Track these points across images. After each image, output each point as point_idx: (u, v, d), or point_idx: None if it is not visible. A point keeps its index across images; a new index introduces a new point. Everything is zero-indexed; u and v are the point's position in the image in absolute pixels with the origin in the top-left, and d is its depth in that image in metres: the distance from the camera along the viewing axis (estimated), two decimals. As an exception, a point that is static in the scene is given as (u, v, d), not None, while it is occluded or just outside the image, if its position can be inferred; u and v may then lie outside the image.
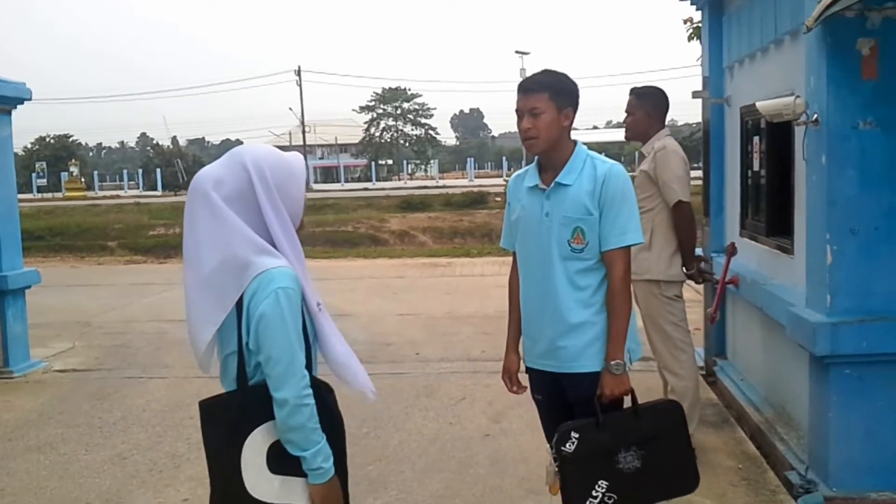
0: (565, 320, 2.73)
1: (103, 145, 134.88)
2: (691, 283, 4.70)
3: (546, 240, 2.75)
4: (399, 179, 56.49)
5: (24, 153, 70.39)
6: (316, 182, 52.19)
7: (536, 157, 2.88)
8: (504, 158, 58.30)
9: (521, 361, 2.97)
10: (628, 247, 2.75)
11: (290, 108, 65.72)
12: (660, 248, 4.40)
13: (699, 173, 6.22)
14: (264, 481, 2.01)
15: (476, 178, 47.62)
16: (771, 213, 4.75)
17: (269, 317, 1.94)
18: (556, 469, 2.65)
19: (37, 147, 66.52)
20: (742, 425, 4.87)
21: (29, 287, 7.06)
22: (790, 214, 4.34)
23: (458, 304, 9.64)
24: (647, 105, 4.48)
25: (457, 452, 4.64)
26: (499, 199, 23.48)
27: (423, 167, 70.49)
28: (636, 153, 43.95)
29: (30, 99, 7.00)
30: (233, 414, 2.02)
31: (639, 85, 4.59)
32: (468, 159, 53.00)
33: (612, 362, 2.70)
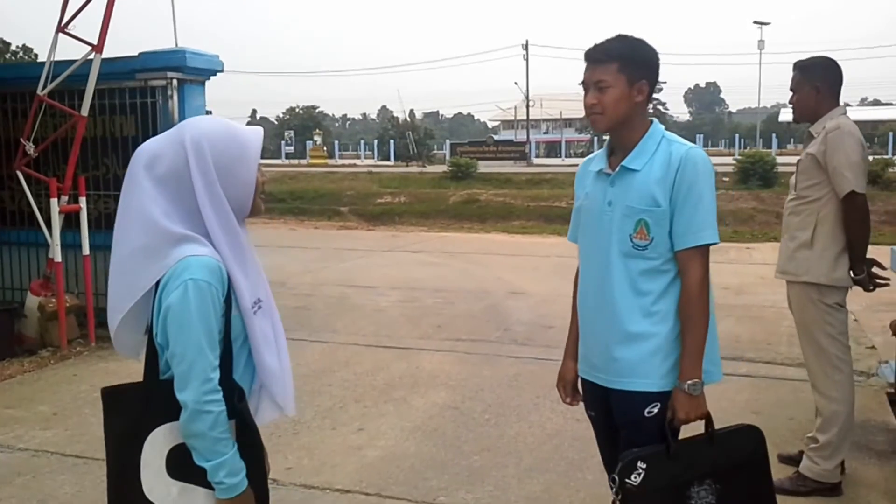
0: (621, 328, 2.36)
1: (348, 117, 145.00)
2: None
3: (606, 233, 2.39)
4: (623, 156, 54.73)
5: (276, 122, 77.28)
6: (538, 157, 52.03)
7: (607, 139, 2.52)
8: (737, 136, 53.99)
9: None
10: (706, 246, 2.33)
11: (516, 83, 65.86)
12: (823, 246, 3.76)
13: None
14: (162, 485, 1.84)
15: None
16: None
17: (174, 310, 1.75)
18: None
19: (287, 116, 72.39)
20: (921, 461, 4.10)
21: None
22: None
23: (638, 291, 9.08)
24: (815, 79, 3.83)
25: (571, 452, 4.32)
26: (726, 179, 21.77)
27: (649, 143, 67.75)
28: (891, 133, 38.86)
29: (222, 70, 7.42)
30: (135, 407, 1.87)
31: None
32: (698, 136, 50.14)
33: (689, 382, 2.30)
